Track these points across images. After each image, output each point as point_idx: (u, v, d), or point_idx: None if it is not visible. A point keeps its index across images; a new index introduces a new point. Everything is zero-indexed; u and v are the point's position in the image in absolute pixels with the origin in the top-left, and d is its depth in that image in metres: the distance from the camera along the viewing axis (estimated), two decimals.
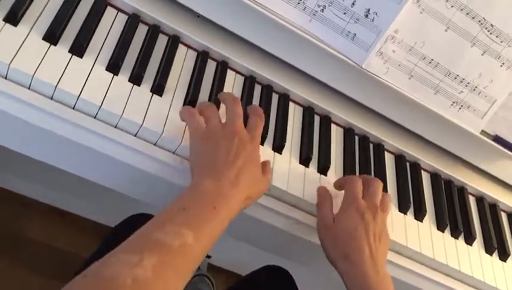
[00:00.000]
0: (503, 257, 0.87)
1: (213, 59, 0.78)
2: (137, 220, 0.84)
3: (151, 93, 0.68)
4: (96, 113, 0.63)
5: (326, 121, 0.83)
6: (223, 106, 0.70)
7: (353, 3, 0.73)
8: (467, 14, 0.75)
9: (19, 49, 0.60)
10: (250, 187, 0.61)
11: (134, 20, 0.72)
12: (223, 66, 0.77)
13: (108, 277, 0.45)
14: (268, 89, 0.80)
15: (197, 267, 0.54)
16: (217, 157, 0.60)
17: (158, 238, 0.50)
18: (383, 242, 0.67)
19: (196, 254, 0.53)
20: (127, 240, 0.50)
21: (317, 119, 0.83)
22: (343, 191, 0.72)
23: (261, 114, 0.69)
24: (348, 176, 0.75)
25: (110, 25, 0.70)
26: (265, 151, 0.73)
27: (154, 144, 0.66)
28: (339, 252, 0.65)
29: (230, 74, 0.78)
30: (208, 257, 1.34)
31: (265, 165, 0.67)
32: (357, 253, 0.64)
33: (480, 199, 0.93)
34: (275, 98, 0.80)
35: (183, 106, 0.70)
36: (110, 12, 0.71)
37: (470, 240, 0.85)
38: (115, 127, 0.64)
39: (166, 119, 0.67)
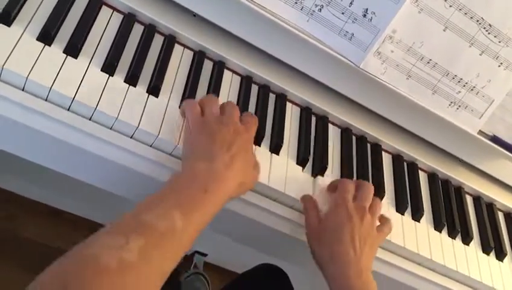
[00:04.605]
0: (500, 256, 0.87)
1: (210, 59, 0.77)
2: None
3: (147, 94, 0.67)
4: (91, 115, 0.62)
5: (324, 121, 0.82)
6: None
7: (351, 3, 0.72)
8: (465, 14, 0.74)
9: (12, 50, 0.59)
10: (244, 173, 0.61)
11: (129, 19, 0.72)
12: (219, 66, 0.76)
13: (91, 256, 0.44)
14: (265, 89, 0.79)
15: (186, 252, 0.52)
16: (212, 143, 0.60)
17: (146, 220, 0.49)
18: (369, 245, 0.67)
19: (185, 237, 0.52)
20: (114, 222, 0.49)
21: (314, 119, 0.82)
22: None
23: (255, 116, 0.69)
24: (342, 179, 0.75)
25: (105, 25, 0.69)
26: (263, 152, 0.73)
27: (151, 146, 0.65)
28: (324, 253, 0.65)
29: (227, 74, 0.77)
30: (204, 255, 1.34)
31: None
32: (341, 254, 0.64)
33: (477, 199, 0.93)
34: (272, 98, 0.80)
35: (180, 107, 0.69)
36: (105, 11, 0.70)
37: (467, 240, 0.85)
38: (110, 128, 0.63)
39: (163, 120, 0.66)
